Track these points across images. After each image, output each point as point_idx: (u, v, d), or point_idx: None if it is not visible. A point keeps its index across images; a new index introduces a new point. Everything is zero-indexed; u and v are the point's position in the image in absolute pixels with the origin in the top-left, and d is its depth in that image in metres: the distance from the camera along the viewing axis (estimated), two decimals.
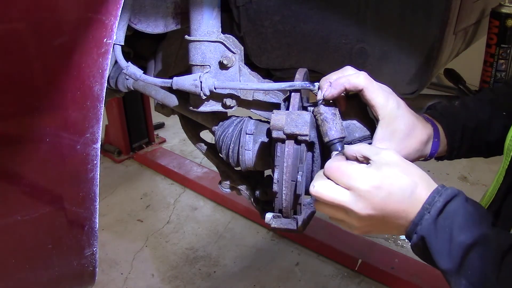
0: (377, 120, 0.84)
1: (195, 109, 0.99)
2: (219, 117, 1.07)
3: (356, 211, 0.70)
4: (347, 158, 0.75)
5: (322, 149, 0.88)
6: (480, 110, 0.94)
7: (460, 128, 0.92)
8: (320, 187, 0.72)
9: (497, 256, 0.65)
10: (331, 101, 0.85)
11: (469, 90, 1.47)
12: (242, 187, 1.15)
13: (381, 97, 0.81)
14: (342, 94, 0.84)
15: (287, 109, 0.86)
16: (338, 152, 0.81)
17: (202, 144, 1.20)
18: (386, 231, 0.75)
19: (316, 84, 0.87)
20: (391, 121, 0.82)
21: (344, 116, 0.88)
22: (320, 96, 0.84)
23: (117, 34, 0.91)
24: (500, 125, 0.92)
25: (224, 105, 0.98)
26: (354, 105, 0.89)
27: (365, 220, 0.72)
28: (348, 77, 0.81)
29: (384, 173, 0.70)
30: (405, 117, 0.83)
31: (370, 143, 0.89)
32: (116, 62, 1.01)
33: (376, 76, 0.84)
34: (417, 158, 0.88)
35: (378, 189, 0.69)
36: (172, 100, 1.10)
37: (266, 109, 1.00)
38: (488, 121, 0.93)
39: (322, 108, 0.84)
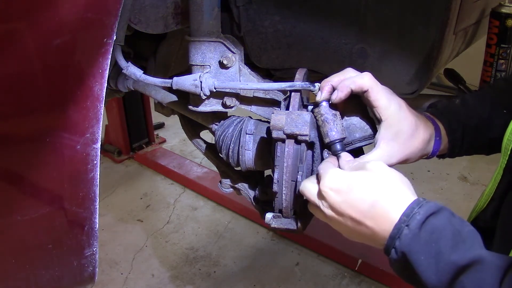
0: (379, 121, 0.84)
1: (195, 109, 0.99)
2: (219, 117, 1.07)
3: (321, 208, 0.74)
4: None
5: (323, 149, 0.88)
6: (480, 107, 0.94)
7: (461, 126, 0.92)
8: (304, 184, 0.78)
9: (494, 282, 0.61)
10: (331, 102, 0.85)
11: (469, 90, 1.47)
12: (242, 187, 1.15)
13: (384, 99, 0.82)
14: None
15: (287, 109, 0.86)
16: (336, 153, 0.82)
17: (201, 142, 1.20)
18: (364, 241, 0.74)
19: (316, 84, 0.87)
20: (394, 123, 0.82)
21: (345, 115, 0.88)
22: (319, 97, 0.84)
23: (117, 34, 0.91)
24: (501, 122, 0.92)
25: (224, 105, 0.98)
26: (354, 105, 0.89)
27: (332, 222, 0.75)
28: (353, 79, 0.82)
29: (350, 180, 0.71)
30: (408, 118, 0.84)
31: (370, 143, 0.89)
32: (116, 62, 1.01)
33: (376, 76, 0.84)
34: (420, 157, 0.89)
35: (337, 192, 0.71)
36: (172, 100, 1.10)
37: (268, 106, 0.99)
38: (489, 118, 0.93)
39: (323, 109, 0.84)
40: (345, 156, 0.81)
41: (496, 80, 1.40)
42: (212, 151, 1.19)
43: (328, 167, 0.75)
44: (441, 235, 0.63)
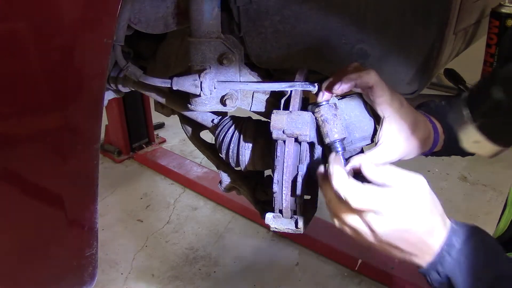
0: (381, 118, 0.84)
1: (195, 109, 0.99)
2: (219, 117, 1.07)
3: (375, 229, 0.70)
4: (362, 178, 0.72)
5: (323, 149, 0.88)
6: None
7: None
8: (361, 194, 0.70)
9: None
10: (330, 101, 0.85)
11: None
12: (242, 187, 1.15)
13: (388, 96, 0.82)
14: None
15: (287, 109, 0.86)
16: (335, 160, 0.80)
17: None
18: (397, 256, 0.75)
19: (316, 84, 0.87)
20: (397, 119, 0.83)
21: (344, 115, 0.88)
22: (320, 98, 0.84)
23: (117, 34, 0.91)
24: None
25: (224, 105, 0.98)
26: (354, 105, 0.89)
27: (359, 237, 0.73)
28: (359, 73, 0.82)
29: (409, 208, 0.69)
30: (409, 115, 0.85)
31: (371, 143, 0.90)
32: (116, 62, 1.01)
33: None
34: (418, 153, 0.90)
35: (377, 214, 0.69)
36: (172, 100, 1.10)
37: (267, 106, 0.99)
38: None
39: (323, 109, 0.84)
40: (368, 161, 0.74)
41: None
42: (212, 151, 1.19)
43: (377, 194, 0.69)
44: (474, 258, 0.70)
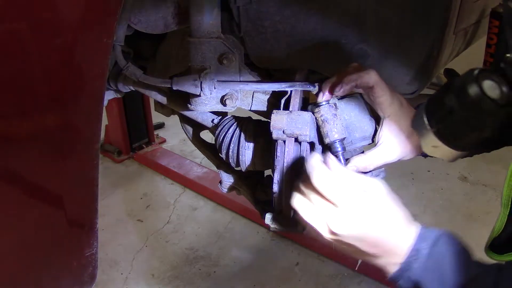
0: (381, 118, 0.84)
1: (195, 109, 0.99)
2: (219, 117, 1.07)
3: (334, 229, 0.70)
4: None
5: (323, 149, 0.88)
6: None
7: None
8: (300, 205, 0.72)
9: None
10: (330, 101, 0.85)
11: None
12: (242, 187, 1.15)
13: (388, 96, 0.83)
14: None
15: (287, 109, 0.86)
16: (336, 152, 0.81)
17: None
18: (363, 259, 0.75)
19: (316, 84, 0.87)
20: (397, 120, 0.84)
21: (344, 115, 0.88)
22: (320, 98, 0.84)
23: (117, 34, 0.91)
24: None
25: (224, 105, 0.98)
26: (354, 105, 0.89)
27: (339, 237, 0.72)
28: (360, 74, 0.82)
29: (367, 213, 0.69)
30: (409, 115, 0.85)
31: (370, 143, 0.90)
32: (116, 62, 1.01)
33: None
34: (416, 154, 0.90)
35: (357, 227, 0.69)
36: (172, 100, 1.10)
37: (268, 106, 0.99)
38: None
39: (323, 109, 0.84)
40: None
41: None
42: (212, 151, 1.19)
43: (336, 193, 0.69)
44: (443, 261, 0.71)
